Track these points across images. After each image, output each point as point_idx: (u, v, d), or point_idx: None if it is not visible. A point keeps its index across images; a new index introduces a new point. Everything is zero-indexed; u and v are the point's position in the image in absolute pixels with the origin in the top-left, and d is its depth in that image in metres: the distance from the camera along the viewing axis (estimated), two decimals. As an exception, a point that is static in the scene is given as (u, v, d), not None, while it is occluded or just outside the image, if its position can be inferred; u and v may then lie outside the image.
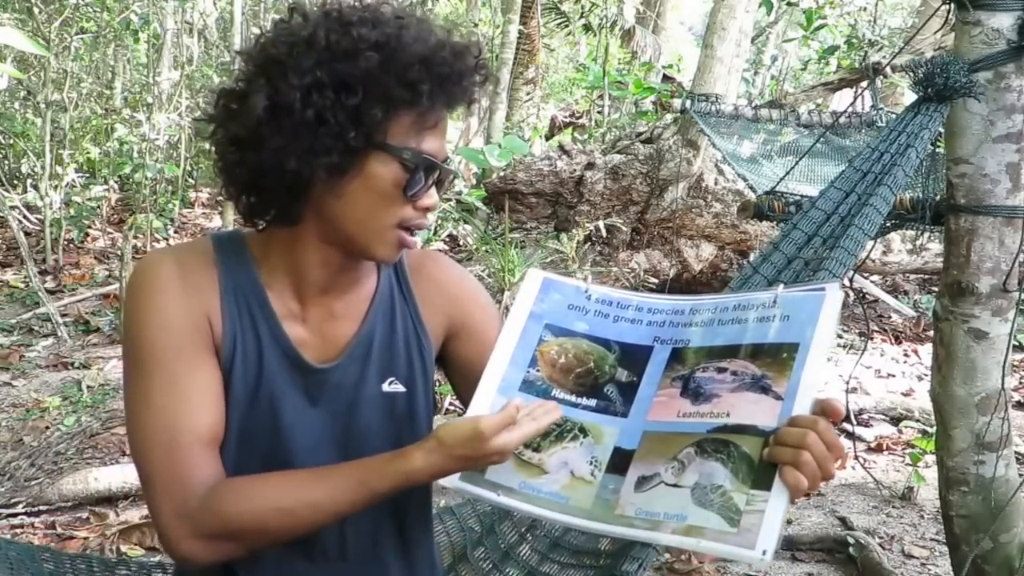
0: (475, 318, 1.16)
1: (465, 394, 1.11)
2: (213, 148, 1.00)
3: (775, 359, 0.89)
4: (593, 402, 0.98)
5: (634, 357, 0.99)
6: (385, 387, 1.10)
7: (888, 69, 4.72)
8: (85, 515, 2.68)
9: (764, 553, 0.79)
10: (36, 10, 6.38)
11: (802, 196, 2.42)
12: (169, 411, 0.98)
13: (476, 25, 10.38)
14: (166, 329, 0.99)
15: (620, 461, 0.92)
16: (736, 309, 0.96)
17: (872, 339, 5.15)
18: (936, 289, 2.10)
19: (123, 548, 2.47)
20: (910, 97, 1.76)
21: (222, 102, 0.99)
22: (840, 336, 5.26)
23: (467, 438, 0.90)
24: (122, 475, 2.78)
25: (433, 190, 1.01)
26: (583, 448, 0.95)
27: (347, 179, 0.97)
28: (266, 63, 0.96)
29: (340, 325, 1.09)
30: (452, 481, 0.95)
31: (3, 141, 7.49)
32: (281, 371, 1.05)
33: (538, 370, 0.99)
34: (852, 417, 3.56)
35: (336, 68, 0.93)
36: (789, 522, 2.82)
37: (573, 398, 0.98)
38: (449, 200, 6.29)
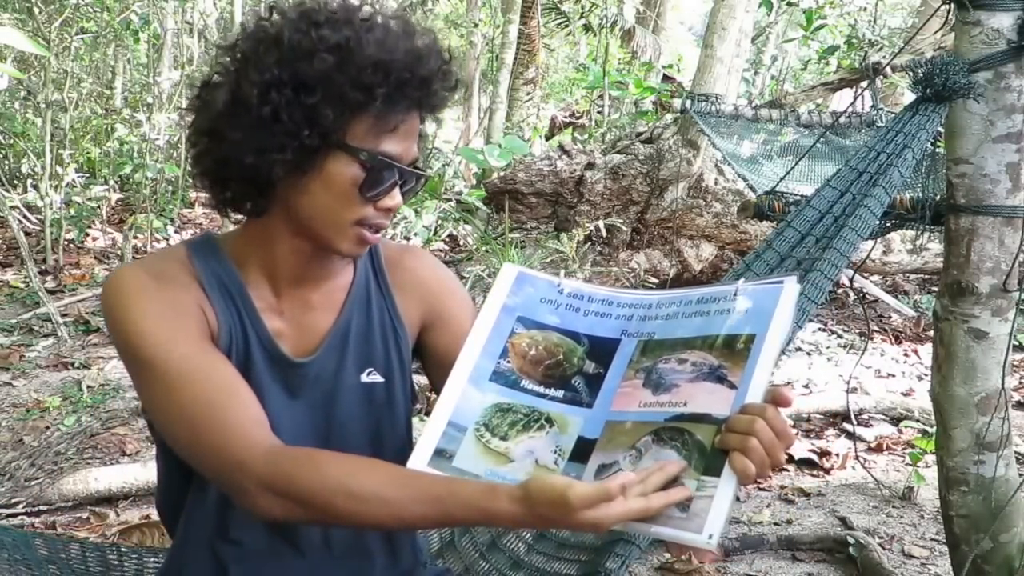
0: (451, 310, 1.18)
1: (439, 384, 1.11)
2: (187, 136, 1.03)
3: (732, 349, 0.92)
4: (560, 393, 1.00)
5: (602, 350, 1.02)
6: (364, 377, 1.12)
7: (888, 69, 4.71)
8: (85, 515, 2.68)
9: (710, 537, 0.81)
10: (36, 10, 6.37)
11: (802, 196, 2.41)
12: (195, 383, 0.98)
13: (476, 25, 10.39)
14: (158, 320, 0.99)
15: (583, 450, 0.95)
16: (699, 303, 0.99)
17: (872, 339, 5.15)
18: (936, 289, 2.10)
19: (123, 548, 2.47)
20: (910, 97, 1.76)
21: (197, 92, 1.02)
22: (840, 336, 5.26)
23: (553, 501, 0.84)
24: (122, 475, 2.77)
25: (396, 192, 1.02)
26: (548, 437, 0.97)
27: (309, 176, 0.98)
28: (234, 58, 0.98)
29: (317, 316, 1.11)
30: (421, 467, 0.94)
31: (3, 141, 7.49)
32: (263, 364, 1.07)
33: (508, 361, 1.01)
34: (852, 417, 3.56)
35: (295, 67, 0.95)
36: (788, 522, 2.82)
37: (541, 389, 1.00)
38: (449, 200, 6.30)
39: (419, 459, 0.95)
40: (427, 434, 0.96)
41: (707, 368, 0.92)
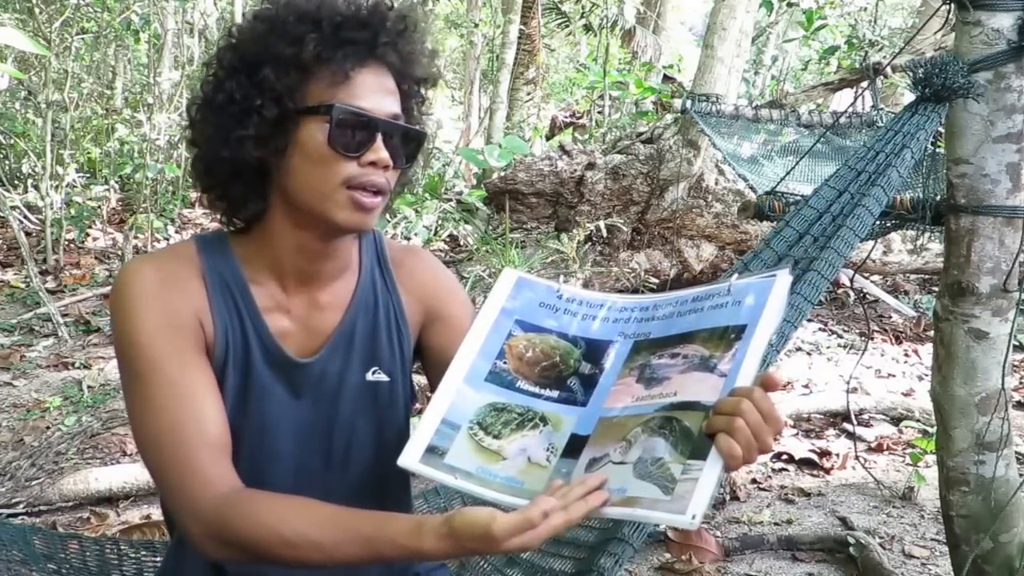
0: (450, 309, 1.19)
1: (436, 383, 1.12)
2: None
3: (723, 340, 0.93)
4: (556, 393, 1.02)
5: (598, 352, 1.04)
6: (369, 376, 1.13)
7: (888, 69, 4.71)
8: (86, 515, 2.68)
9: (693, 518, 0.81)
10: (37, 10, 6.37)
11: (802, 196, 2.41)
12: (171, 411, 1.00)
13: (476, 25, 10.39)
14: (156, 333, 1.01)
15: (575, 446, 0.96)
16: (694, 301, 1.01)
17: (872, 339, 5.15)
18: (936, 289, 2.10)
19: (122, 545, 2.47)
20: (910, 97, 1.76)
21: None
22: (840, 336, 5.26)
23: (479, 536, 0.87)
24: (122, 475, 2.78)
25: (378, 145, 1.01)
26: (542, 436, 0.98)
27: (289, 155, 1.01)
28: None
29: (324, 316, 1.11)
30: (412, 464, 0.95)
31: (4, 141, 7.49)
32: (265, 365, 1.07)
33: (505, 362, 1.03)
34: (852, 417, 3.56)
35: (239, 51, 1.00)
36: (789, 522, 2.82)
37: (536, 389, 1.02)
38: (449, 200, 6.30)
39: (411, 456, 0.95)
40: (420, 431, 0.96)
41: (698, 359, 0.94)
